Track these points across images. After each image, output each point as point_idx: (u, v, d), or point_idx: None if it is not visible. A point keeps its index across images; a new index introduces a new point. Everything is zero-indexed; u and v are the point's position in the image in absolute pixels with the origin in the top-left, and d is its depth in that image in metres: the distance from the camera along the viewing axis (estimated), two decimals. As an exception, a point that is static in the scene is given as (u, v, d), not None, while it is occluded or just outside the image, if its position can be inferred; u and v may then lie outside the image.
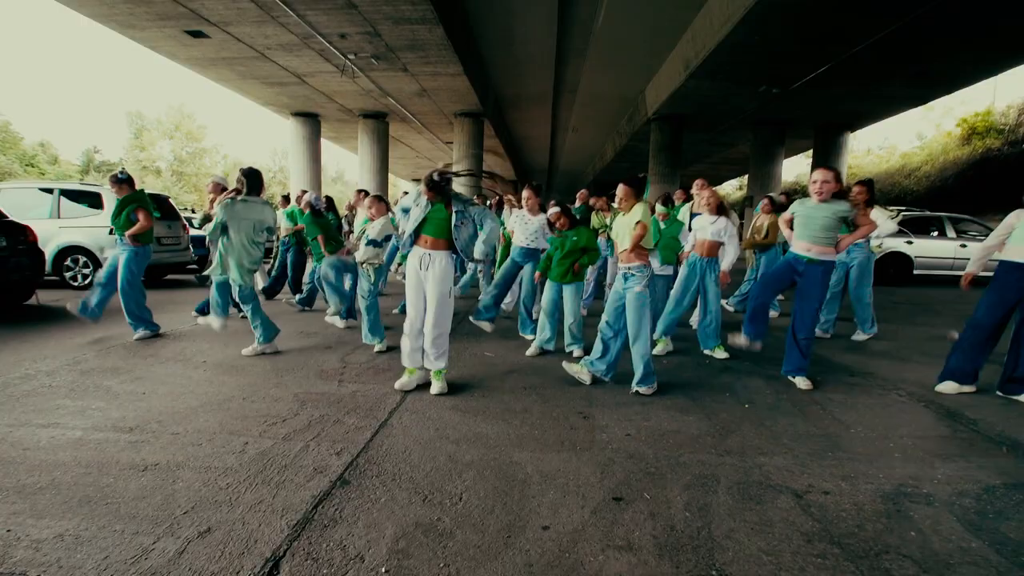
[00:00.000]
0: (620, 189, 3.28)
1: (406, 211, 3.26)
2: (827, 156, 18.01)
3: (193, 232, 7.81)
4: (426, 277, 3.17)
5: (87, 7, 10.22)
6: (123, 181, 4.57)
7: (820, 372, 3.83)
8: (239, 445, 2.40)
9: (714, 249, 4.18)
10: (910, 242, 8.52)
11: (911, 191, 17.63)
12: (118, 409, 2.85)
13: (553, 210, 4.29)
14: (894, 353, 4.48)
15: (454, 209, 3.16)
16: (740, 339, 3.59)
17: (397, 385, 3.25)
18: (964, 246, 7.80)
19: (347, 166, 60.72)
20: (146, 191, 4.99)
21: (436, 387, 3.19)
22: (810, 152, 25.92)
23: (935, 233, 8.68)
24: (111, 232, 4.53)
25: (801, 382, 3.45)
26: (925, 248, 8.60)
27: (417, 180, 39.59)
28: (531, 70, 16.16)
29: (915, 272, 8.49)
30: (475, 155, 18.24)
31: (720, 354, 4.16)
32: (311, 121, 18.93)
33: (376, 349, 4.21)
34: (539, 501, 1.95)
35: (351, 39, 11.48)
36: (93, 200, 6.71)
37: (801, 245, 3.41)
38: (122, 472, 2.13)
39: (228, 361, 3.88)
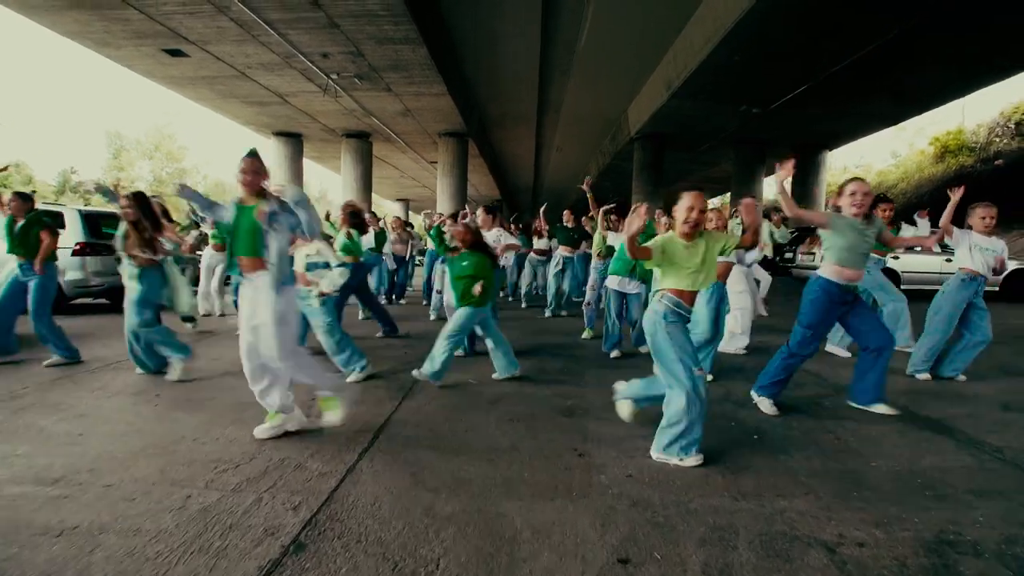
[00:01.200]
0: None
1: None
2: (807, 174, 18.28)
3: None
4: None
5: (61, 24, 9.94)
6: (28, 198, 4.28)
7: (821, 393, 3.61)
8: (180, 499, 2.05)
9: (727, 272, 3.98)
10: (896, 257, 8.52)
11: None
12: (46, 455, 2.48)
13: (453, 227, 3.98)
14: (895, 371, 4.28)
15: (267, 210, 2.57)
16: (764, 404, 3.25)
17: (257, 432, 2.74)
18: (950, 260, 7.85)
19: (331, 185, 60.37)
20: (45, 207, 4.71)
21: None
22: (790, 171, 26.55)
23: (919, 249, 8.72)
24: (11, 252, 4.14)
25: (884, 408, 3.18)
26: (911, 263, 8.66)
27: (402, 200, 39.49)
28: (515, 89, 16.20)
29: (902, 287, 8.46)
30: (459, 175, 18.13)
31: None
32: (293, 141, 18.70)
33: (352, 379, 3.77)
34: (531, 566, 1.65)
35: (334, 59, 11.34)
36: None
37: (849, 273, 3.01)
38: (32, 538, 1.77)
39: (185, 395, 3.51)
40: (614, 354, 4.56)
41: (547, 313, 6.35)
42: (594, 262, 5.50)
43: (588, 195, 5.49)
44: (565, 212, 6.27)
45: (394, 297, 8.19)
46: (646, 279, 4.39)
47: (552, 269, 6.22)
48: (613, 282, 4.45)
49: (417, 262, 10.49)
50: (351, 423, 2.89)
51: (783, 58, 11.07)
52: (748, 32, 9.79)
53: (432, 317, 6.25)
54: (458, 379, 3.83)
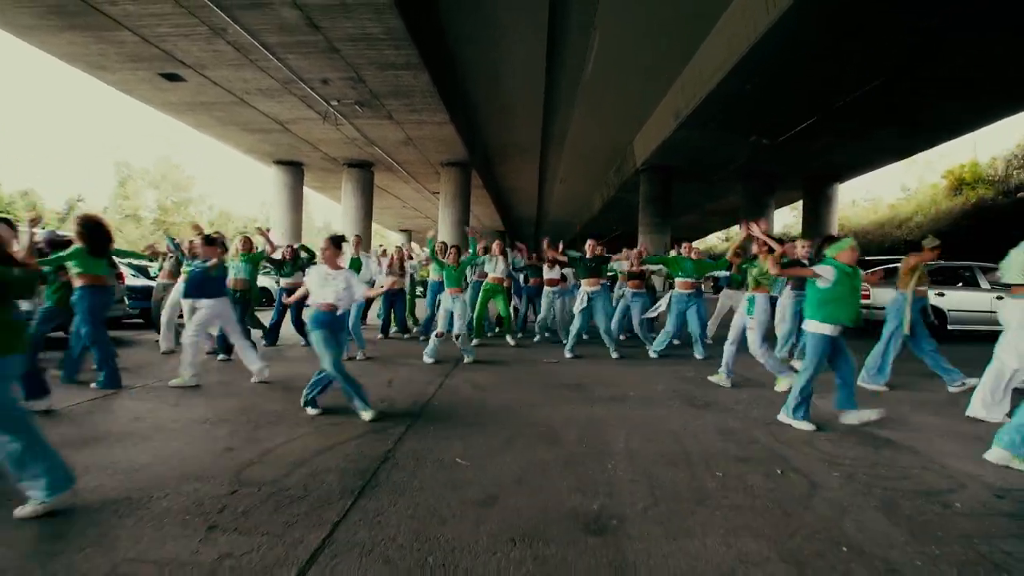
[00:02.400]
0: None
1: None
2: (817, 207, 17.91)
3: (134, 282, 6.87)
4: None
5: (55, 46, 9.75)
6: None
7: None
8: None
9: None
10: (941, 294, 7.72)
11: (904, 240, 17.41)
12: None
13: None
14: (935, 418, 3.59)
15: None
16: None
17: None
18: (1000, 298, 6.96)
19: (333, 216, 60.70)
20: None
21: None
22: (797, 204, 26.24)
23: (960, 284, 8.03)
24: None
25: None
26: (958, 301, 7.79)
27: (405, 231, 39.40)
28: (519, 119, 16.04)
29: (949, 327, 7.72)
30: (461, 205, 17.82)
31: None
32: (294, 169, 18.52)
33: (368, 417, 3.27)
34: None
35: (334, 85, 11.11)
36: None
37: None
38: None
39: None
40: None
41: (568, 354, 5.50)
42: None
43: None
44: (589, 243, 5.57)
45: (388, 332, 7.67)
46: None
47: (577, 305, 5.51)
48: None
49: (418, 293, 9.93)
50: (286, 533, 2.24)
51: (795, 88, 10.79)
52: (761, 59, 9.51)
53: (429, 360, 5.16)
54: (442, 456, 3.19)
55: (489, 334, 7.15)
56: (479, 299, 6.41)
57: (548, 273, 6.44)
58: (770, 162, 16.14)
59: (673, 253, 6.74)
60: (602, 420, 3.37)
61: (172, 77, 10.94)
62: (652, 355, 5.56)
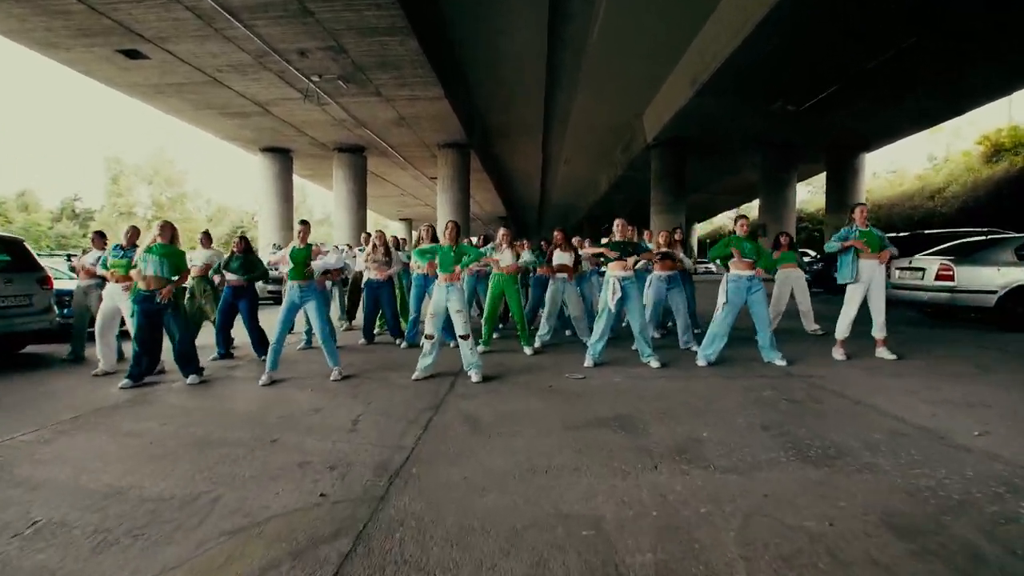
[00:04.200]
0: None
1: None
2: (843, 179, 16.66)
3: (62, 285, 5.72)
4: None
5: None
6: None
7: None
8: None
9: None
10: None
11: (939, 212, 16.21)
12: None
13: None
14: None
15: None
16: None
17: None
18: None
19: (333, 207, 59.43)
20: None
21: None
22: (812, 180, 24.90)
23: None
24: None
25: None
26: None
27: (405, 219, 38.24)
28: (520, 95, 14.83)
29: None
30: (460, 189, 16.69)
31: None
32: (282, 157, 17.42)
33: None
34: None
35: (313, 56, 9.97)
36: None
37: None
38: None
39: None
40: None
41: (590, 360, 4.34)
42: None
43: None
44: (618, 222, 4.36)
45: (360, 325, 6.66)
46: None
47: (609, 297, 4.20)
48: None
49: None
50: None
51: (825, 47, 9.59)
52: (791, 12, 8.33)
53: (420, 375, 4.04)
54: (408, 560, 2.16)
55: (496, 335, 5.88)
56: (489, 293, 5.18)
57: (559, 258, 5.30)
58: (791, 132, 14.91)
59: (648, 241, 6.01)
60: (683, 505, 1.95)
61: (132, 54, 9.83)
62: (701, 362, 4.27)
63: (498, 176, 25.18)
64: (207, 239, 5.84)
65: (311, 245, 4.23)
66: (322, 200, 61.95)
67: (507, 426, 2.82)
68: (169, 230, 4.00)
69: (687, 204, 17.23)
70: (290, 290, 4.05)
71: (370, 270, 5.58)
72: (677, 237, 5.78)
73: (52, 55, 9.83)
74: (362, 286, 5.83)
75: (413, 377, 3.98)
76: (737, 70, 10.61)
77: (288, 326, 4.05)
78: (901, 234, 10.42)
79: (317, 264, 4.33)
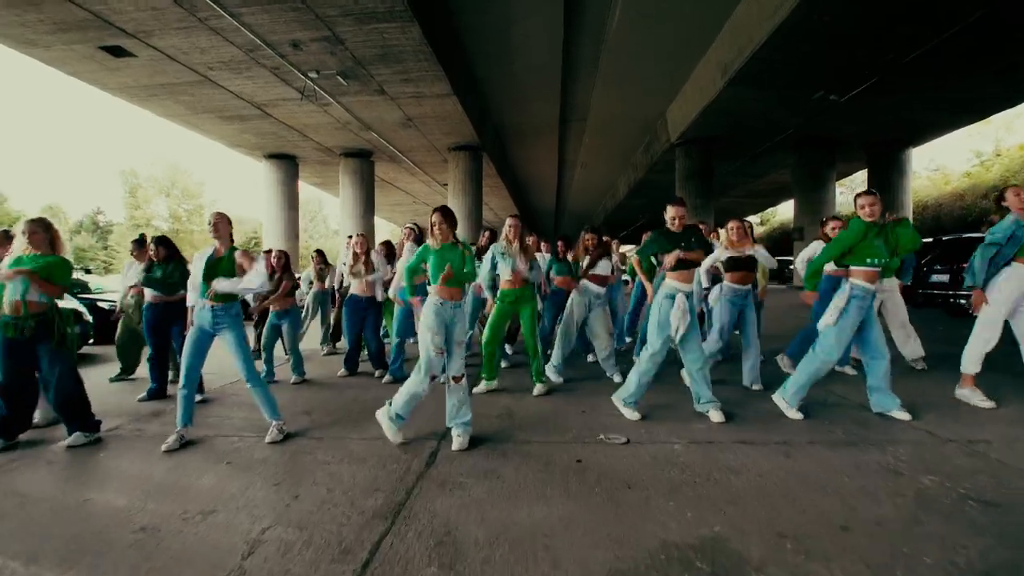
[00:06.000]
0: None
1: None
2: (888, 176, 15.27)
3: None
4: None
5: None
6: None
7: None
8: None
9: None
10: None
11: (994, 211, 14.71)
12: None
13: None
14: None
15: None
16: None
17: None
18: None
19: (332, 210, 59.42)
20: None
21: None
22: (846, 180, 23.34)
23: None
24: None
25: None
26: None
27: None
28: (534, 92, 13.88)
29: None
30: (474, 193, 15.77)
31: None
32: (287, 164, 16.76)
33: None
34: None
35: (307, 49, 9.17)
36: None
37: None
38: None
39: None
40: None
41: (630, 410, 3.15)
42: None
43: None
44: (675, 208, 3.07)
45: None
46: None
47: (677, 318, 2.99)
48: None
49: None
50: None
51: (879, 25, 8.41)
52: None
53: (394, 437, 2.78)
54: None
55: (504, 364, 4.77)
56: (492, 317, 3.89)
57: (602, 268, 4.12)
58: (830, 126, 13.65)
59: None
60: None
61: (116, 51, 9.15)
62: (793, 412, 3.05)
63: (512, 181, 24.26)
64: (140, 248, 4.48)
65: (235, 249, 2.95)
66: (334, 210, 62.00)
67: (509, 569, 1.61)
68: (42, 231, 2.84)
69: (714, 208, 16.01)
70: (199, 312, 2.86)
71: (353, 284, 4.59)
72: (741, 231, 3.93)
73: (34, 54, 9.20)
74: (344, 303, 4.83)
75: (389, 433, 2.76)
76: (774, 55, 9.48)
77: (196, 362, 2.87)
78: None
79: (223, 286, 2.82)
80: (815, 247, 4.21)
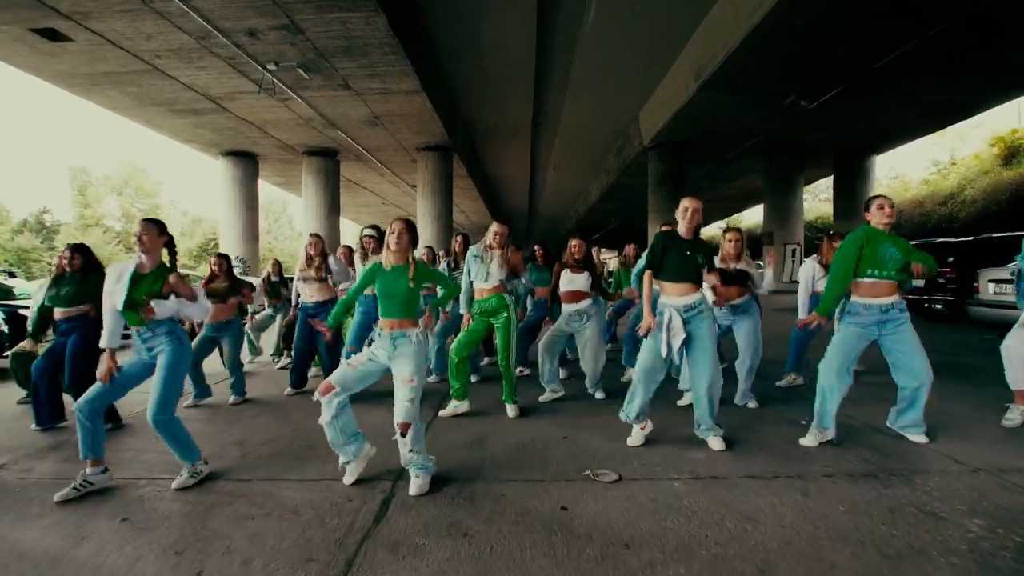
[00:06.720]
0: None
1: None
2: (853, 183, 15.63)
3: None
4: None
5: None
6: None
7: None
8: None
9: None
10: None
11: (956, 218, 15.20)
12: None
13: None
14: None
15: None
16: None
17: None
18: None
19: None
20: None
21: None
22: (810, 187, 23.95)
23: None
24: None
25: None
26: None
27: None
28: (506, 92, 13.54)
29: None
30: (443, 194, 15.30)
31: None
32: (246, 162, 15.92)
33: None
34: None
35: (265, 39, 8.57)
36: None
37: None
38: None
39: None
40: None
41: (638, 437, 2.79)
42: None
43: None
44: (691, 203, 2.71)
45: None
46: None
47: (672, 337, 2.64)
48: None
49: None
50: None
51: (855, 31, 8.43)
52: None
53: (347, 476, 2.35)
54: None
55: (475, 378, 4.29)
56: (460, 335, 3.54)
57: (569, 283, 3.70)
58: (801, 131, 13.81)
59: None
60: None
61: (51, 34, 8.34)
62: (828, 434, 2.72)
63: (484, 183, 23.87)
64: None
65: (164, 267, 2.38)
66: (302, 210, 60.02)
67: None
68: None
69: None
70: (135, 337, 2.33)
71: (303, 290, 4.11)
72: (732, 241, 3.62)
73: (-48, 35, 8.30)
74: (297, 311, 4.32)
75: (344, 474, 2.31)
76: (748, 59, 9.42)
77: (108, 396, 2.34)
78: (963, 239, 8.93)
79: (163, 311, 2.31)
80: (811, 268, 3.97)
